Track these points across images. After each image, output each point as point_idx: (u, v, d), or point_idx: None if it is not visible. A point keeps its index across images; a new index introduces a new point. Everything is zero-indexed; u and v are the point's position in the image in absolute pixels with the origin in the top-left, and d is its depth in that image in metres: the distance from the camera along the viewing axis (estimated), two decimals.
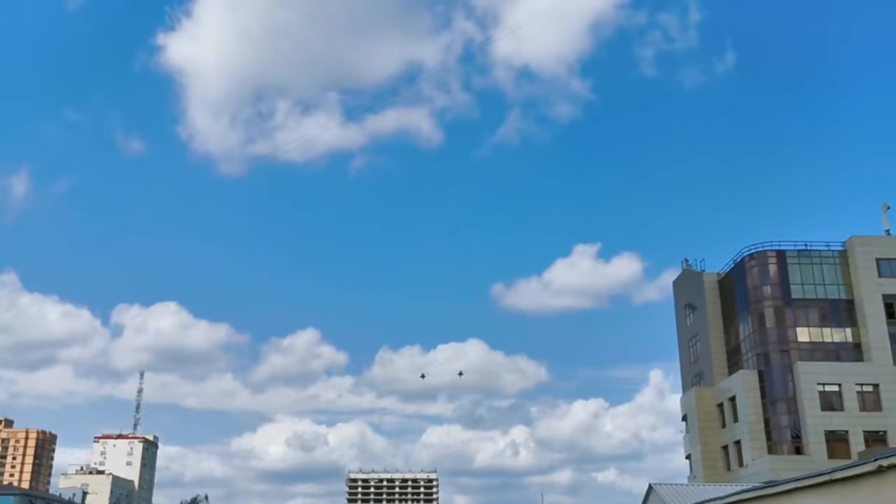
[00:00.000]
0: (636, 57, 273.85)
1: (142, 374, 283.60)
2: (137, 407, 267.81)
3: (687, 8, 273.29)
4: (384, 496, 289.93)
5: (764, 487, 28.14)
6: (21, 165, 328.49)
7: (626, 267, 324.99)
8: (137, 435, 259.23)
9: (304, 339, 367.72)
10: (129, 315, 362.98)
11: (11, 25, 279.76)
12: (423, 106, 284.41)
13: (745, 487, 35.42)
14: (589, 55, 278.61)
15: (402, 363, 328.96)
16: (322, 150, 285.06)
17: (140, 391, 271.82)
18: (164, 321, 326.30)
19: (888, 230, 78.65)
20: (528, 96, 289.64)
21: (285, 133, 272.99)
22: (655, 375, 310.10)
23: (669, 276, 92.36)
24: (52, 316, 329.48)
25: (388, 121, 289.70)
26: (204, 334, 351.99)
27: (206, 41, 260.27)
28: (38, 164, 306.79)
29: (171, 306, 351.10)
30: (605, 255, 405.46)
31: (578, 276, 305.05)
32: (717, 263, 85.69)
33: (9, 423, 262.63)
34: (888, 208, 79.39)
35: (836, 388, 71.24)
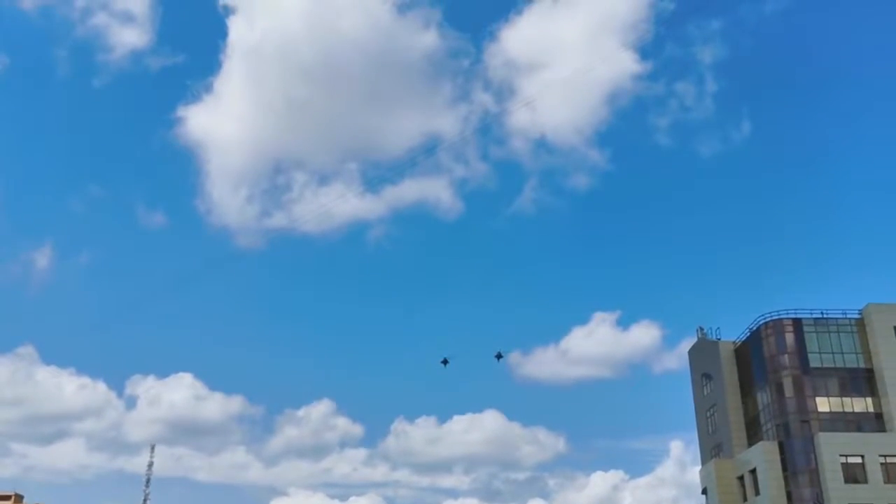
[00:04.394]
0: (652, 126, 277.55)
1: (152, 448, 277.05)
2: (147, 481, 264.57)
3: (703, 78, 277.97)
4: None
5: None
6: (45, 240, 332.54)
7: (645, 335, 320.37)
8: None
9: (319, 410, 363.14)
10: (143, 386, 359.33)
11: (38, 103, 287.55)
12: (440, 176, 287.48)
13: None
14: (606, 125, 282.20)
15: (416, 434, 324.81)
16: (340, 221, 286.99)
17: (150, 465, 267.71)
18: (179, 393, 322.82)
19: None
20: (544, 166, 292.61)
21: (303, 205, 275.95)
22: (676, 446, 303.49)
23: (688, 344, 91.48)
24: (68, 389, 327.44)
25: (407, 191, 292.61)
26: (218, 406, 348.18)
27: (227, 115, 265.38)
28: (61, 238, 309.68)
29: (186, 378, 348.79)
30: (624, 322, 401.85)
31: (597, 344, 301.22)
32: (732, 332, 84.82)
33: (19, 499, 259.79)
34: None
35: (858, 460, 69.73)
